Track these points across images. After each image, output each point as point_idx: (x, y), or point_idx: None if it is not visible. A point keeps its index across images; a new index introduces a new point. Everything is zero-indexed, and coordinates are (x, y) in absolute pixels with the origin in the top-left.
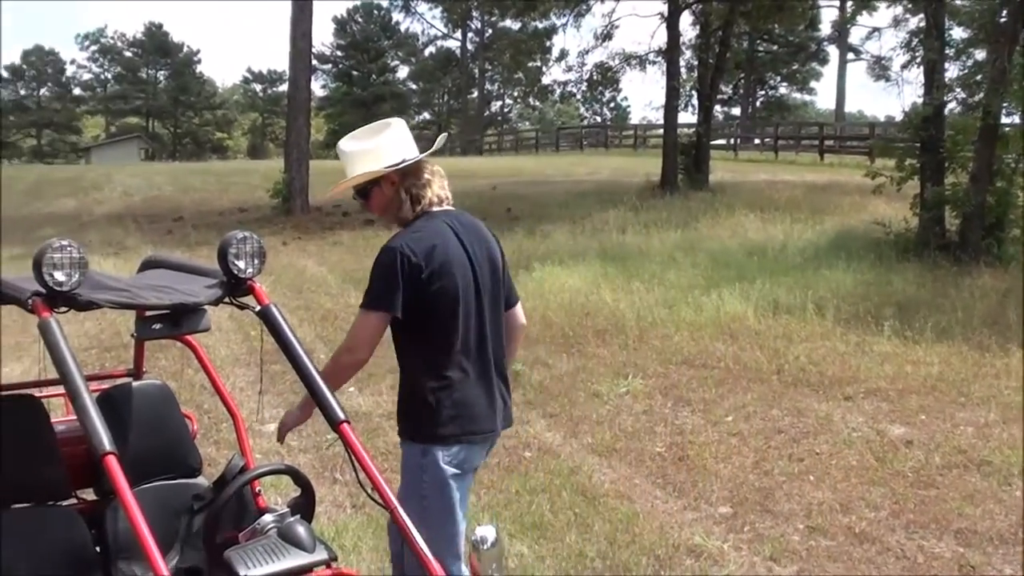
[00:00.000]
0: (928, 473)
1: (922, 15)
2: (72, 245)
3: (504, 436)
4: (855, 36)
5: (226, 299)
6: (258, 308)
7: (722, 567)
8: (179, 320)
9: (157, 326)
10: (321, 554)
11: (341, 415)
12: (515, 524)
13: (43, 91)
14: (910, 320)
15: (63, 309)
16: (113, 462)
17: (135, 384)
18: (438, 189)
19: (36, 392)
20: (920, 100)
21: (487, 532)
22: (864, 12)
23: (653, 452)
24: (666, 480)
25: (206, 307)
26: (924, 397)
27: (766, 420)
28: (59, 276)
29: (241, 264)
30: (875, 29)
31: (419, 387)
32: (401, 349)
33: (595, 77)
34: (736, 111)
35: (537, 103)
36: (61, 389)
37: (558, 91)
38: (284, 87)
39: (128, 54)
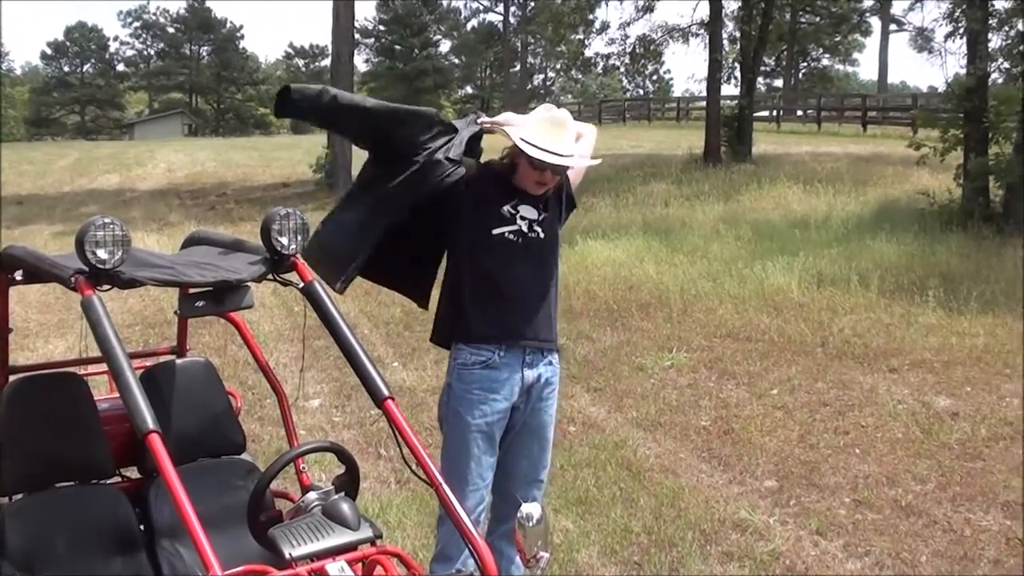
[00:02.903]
0: (974, 445)
1: None
2: (115, 223)
3: None
4: (897, 7)
5: (269, 276)
6: (301, 285)
7: (768, 541)
8: (223, 297)
9: (200, 303)
10: (366, 532)
11: (385, 391)
12: (560, 499)
13: (86, 67)
14: (955, 291)
15: (106, 287)
16: (156, 440)
17: (179, 361)
18: None
19: (79, 370)
20: (963, 71)
21: (532, 509)
22: None
23: (698, 426)
24: (711, 454)
25: (249, 284)
26: (970, 369)
27: (811, 393)
28: (102, 254)
29: (284, 240)
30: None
31: None
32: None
33: (638, 50)
34: (778, 83)
35: (579, 76)
36: (104, 367)
37: (600, 64)
38: (326, 62)
39: (171, 30)
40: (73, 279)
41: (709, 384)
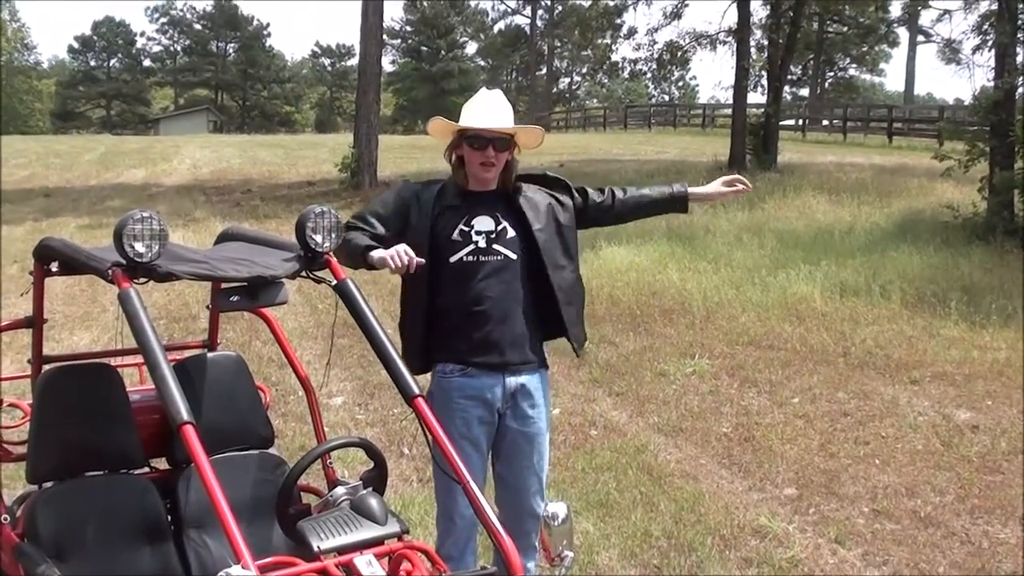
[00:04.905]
0: (994, 458)
1: None
2: (153, 217)
3: (570, 414)
4: (925, 18)
5: (303, 273)
6: (335, 282)
7: (787, 548)
8: (256, 293)
9: (235, 298)
10: (393, 527)
11: (416, 389)
12: (580, 502)
13: (113, 62)
14: (977, 305)
15: (142, 280)
16: (191, 432)
17: (210, 355)
18: None
19: (110, 362)
20: (990, 83)
21: (558, 508)
22: None
23: (719, 432)
24: (732, 461)
25: (284, 280)
26: (991, 382)
27: (832, 402)
28: (139, 247)
29: (318, 238)
30: (946, 11)
31: None
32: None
33: (665, 56)
34: (804, 92)
35: (605, 80)
36: (135, 359)
37: (627, 69)
38: (352, 61)
39: (198, 27)
40: (110, 272)
41: (731, 391)
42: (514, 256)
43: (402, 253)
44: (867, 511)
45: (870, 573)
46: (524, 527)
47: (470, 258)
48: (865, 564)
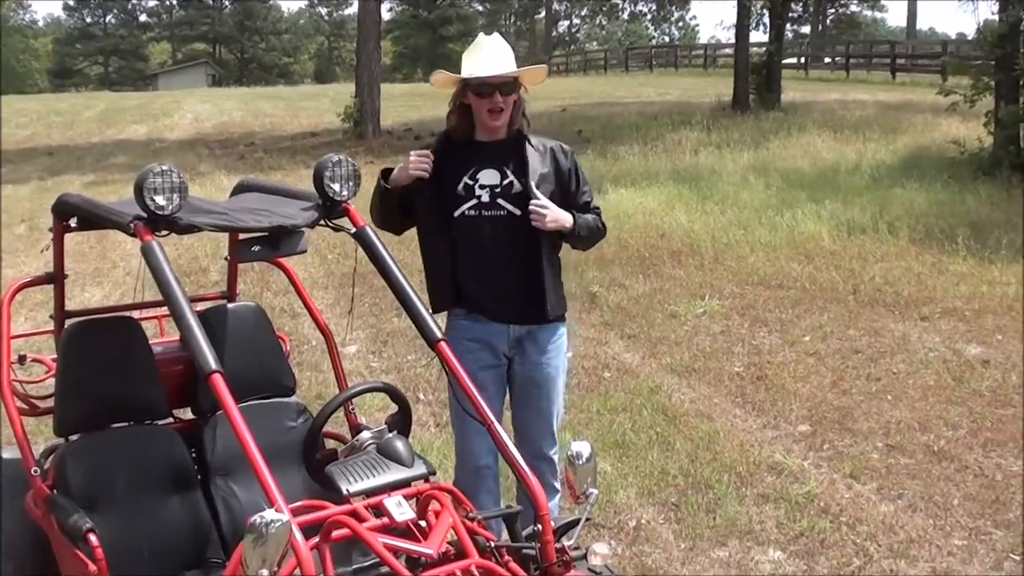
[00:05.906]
0: (1005, 392)
1: None
2: (172, 170)
3: (583, 356)
4: None
5: (322, 221)
6: (354, 230)
7: (803, 484)
8: (277, 242)
9: (256, 248)
10: (420, 468)
11: (438, 333)
12: (597, 443)
13: (109, 18)
14: (985, 240)
15: (164, 233)
16: (219, 380)
17: (230, 306)
18: None
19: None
20: (995, 16)
21: (582, 448)
22: None
23: (732, 372)
24: (745, 399)
25: (302, 229)
26: (1000, 317)
27: (843, 340)
28: (160, 200)
29: (336, 187)
30: None
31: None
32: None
33: None
34: (806, 29)
35: (605, 22)
36: (153, 312)
37: (627, 10)
38: (349, 10)
39: None
40: (132, 225)
41: (742, 331)
42: (518, 212)
43: (414, 158)
44: (881, 446)
45: (885, 506)
46: (534, 468)
47: (472, 212)
48: (880, 498)
